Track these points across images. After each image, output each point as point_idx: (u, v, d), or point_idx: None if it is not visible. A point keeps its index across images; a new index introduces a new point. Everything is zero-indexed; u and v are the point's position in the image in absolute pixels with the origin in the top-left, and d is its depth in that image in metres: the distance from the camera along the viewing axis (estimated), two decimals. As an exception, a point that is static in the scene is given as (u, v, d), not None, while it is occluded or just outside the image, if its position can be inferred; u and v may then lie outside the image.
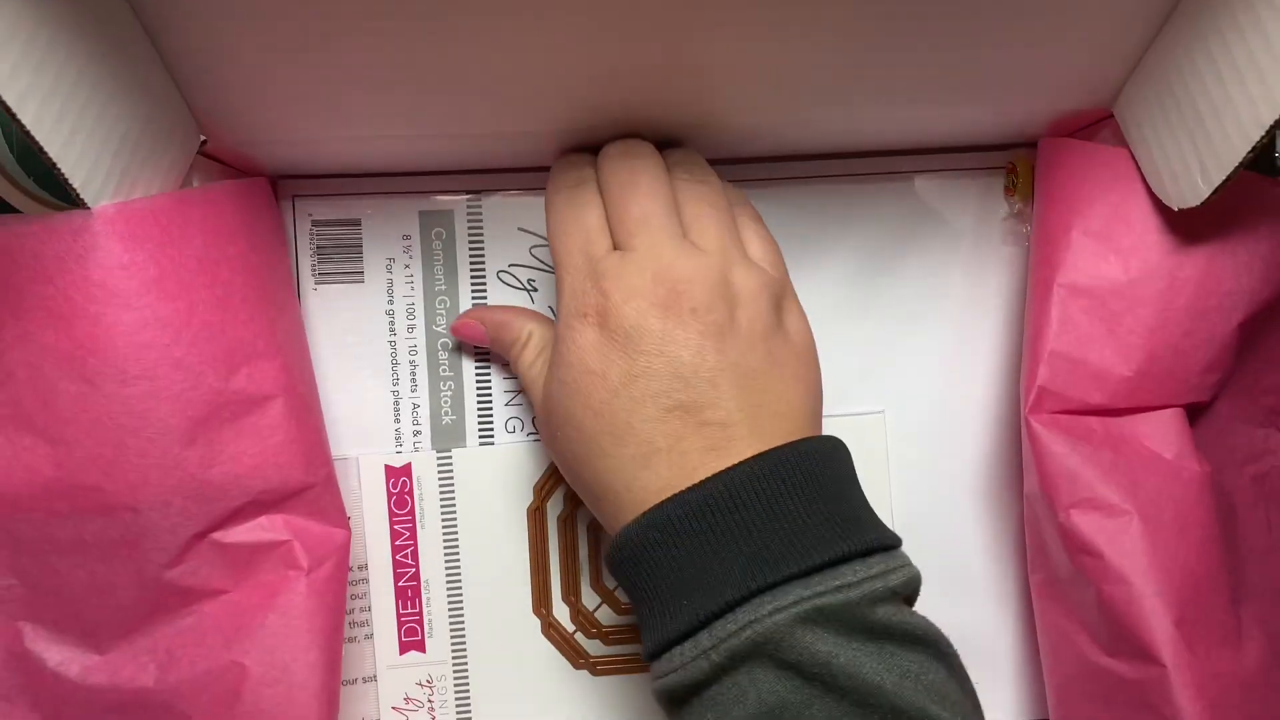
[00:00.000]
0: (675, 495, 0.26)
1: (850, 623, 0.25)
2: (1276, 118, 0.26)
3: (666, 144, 0.33)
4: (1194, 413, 0.34)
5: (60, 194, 0.25)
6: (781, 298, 0.30)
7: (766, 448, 0.27)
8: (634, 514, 0.27)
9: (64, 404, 0.27)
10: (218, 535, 0.29)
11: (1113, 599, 0.31)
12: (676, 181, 0.30)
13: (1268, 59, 0.26)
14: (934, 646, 0.26)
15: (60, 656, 0.29)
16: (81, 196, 0.25)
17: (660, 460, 0.27)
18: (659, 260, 0.28)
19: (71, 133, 0.24)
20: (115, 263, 0.26)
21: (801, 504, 0.26)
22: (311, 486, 0.31)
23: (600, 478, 0.28)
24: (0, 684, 0.29)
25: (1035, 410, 0.33)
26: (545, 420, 0.30)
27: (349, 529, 0.32)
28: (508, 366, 0.37)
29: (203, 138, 0.30)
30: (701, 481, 0.26)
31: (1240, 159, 0.28)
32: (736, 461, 0.26)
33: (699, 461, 0.27)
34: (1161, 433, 0.32)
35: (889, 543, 0.27)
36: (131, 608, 0.29)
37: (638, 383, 0.27)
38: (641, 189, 0.29)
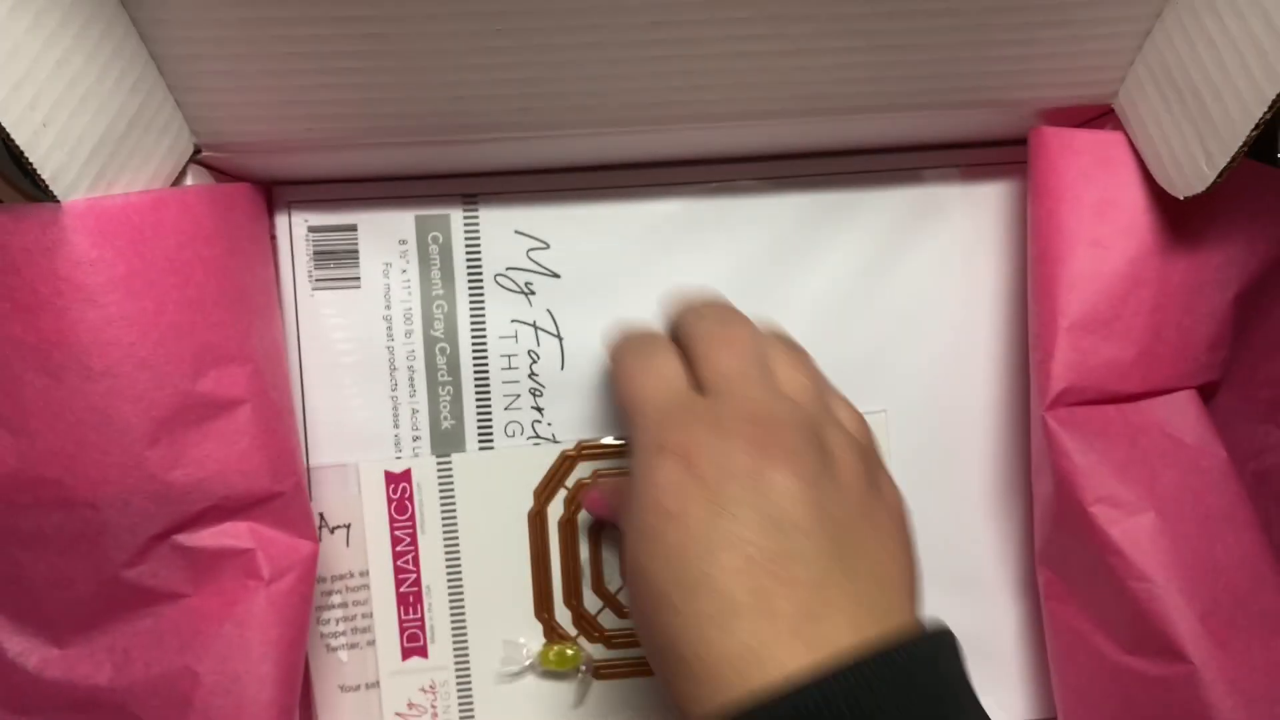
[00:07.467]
0: (762, 706, 0.21)
1: None
2: (1278, 92, 0.26)
3: (665, 142, 0.32)
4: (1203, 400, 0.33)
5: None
6: (875, 467, 0.28)
7: (867, 623, 0.23)
8: (707, 690, 0.22)
9: (28, 396, 0.27)
10: (179, 538, 0.29)
11: (1134, 595, 0.30)
12: (769, 346, 0.28)
13: (1268, 35, 0.26)
14: None
15: (19, 647, 0.29)
16: (51, 189, 0.25)
17: (741, 623, 0.22)
18: (753, 401, 0.26)
19: (44, 123, 0.24)
20: (82, 258, 0.26)
21: None
22: (279, 495, 0.31)
23: (667, 640, 0.24)
24: None
25: (1053, 407, 0.32)
26: (624, 581, 0.26)
27: (317, 541, 0.32)
28: (505, 370, 0.37)
29: (196, 145, 0.31)
30: (795, 690, 0.21)
31: (1244, 138, 0.27)
32: (832, 651, 0.22)
33: (788, 631, 0.22)
34: (1179, 417, 0.32)
35: None
36: (90, 603, 0.29)
37: (720, 526, 0.23)
38: (737, 345, 0.28)
